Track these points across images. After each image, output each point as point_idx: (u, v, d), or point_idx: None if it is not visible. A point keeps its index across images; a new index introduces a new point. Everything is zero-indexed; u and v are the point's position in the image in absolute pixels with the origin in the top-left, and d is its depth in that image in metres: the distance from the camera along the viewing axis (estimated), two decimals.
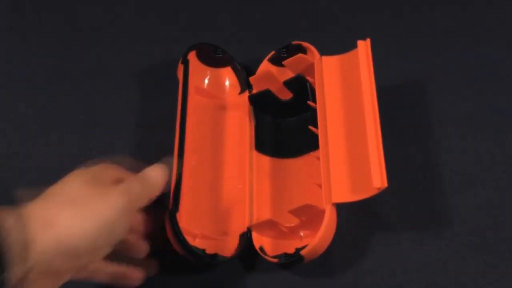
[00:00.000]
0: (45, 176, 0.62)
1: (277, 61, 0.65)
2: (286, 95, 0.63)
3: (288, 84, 0.62)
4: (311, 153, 0.60)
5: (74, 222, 0.44)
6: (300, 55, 0.62)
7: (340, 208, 0.55)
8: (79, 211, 0.44)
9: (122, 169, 0.52)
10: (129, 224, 0.49)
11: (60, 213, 0.44)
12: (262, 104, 0.64)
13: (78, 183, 0.47)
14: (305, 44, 0.63)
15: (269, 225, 0.56)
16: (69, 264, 0.44)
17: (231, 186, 0.61)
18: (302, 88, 0.62)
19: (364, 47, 0.58)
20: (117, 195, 0.47)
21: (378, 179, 0.51)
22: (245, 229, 0.57)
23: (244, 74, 0.66)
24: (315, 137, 0.58)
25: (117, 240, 0.47)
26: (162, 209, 0.56)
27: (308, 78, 0.61)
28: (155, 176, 0.52)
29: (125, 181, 0.49)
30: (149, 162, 0.63)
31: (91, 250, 0.45)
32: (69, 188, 0.47)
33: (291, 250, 0.54)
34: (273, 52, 0.66)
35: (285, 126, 0.64)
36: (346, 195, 0.53)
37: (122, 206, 0.47)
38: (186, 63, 0.63)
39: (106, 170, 0.50)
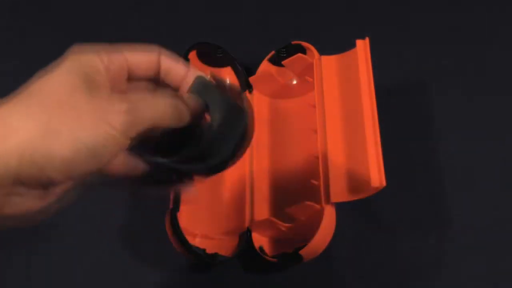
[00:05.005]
0: None
1: (277, 61, 0.65)
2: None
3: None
4: (311, 153, 0.60)
5: (48, 141, 0.34)
6: (299, 54, 0.62)
7: (340, 207, 0.55)
8: (59, 127, 0.34)
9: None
10: (116, 153, 0.36)
11: (35, 123, 0.34)
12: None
13: (69, 86, 0.36)
14: (305, 44, 0.63)
15: (269, 225, 0.56)
16: (43, 181, 0.35)
17: (231, 186, 0.61)
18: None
19: (363, 46, 0.58)
20: (116, 114, 0.36)
21: (376, 179, 0.50)
22: (245, 229, 0.58)
23: (244, 74, 0.66)
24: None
25: (97, 167, 0.36)
26: (163, 209, 0.56)
27: (308, 77, 0.61)
28: (170, 104, 0.39)
29: (131, 97, 0.38)
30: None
31: (63, 172, 0.35)
32: (56, 90, 0.36)
33: (290, 250, 0.54)
34: (273, 52, 0.66)
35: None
36: (344, 195, 0.53)
37: (116, 131, 0.35)
38: None
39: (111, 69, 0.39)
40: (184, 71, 0.42)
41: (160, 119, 0.38)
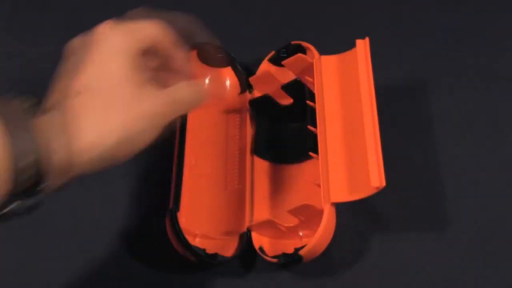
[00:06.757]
0: None
1: (277, 61, 0.65)
2: (285, 98, 0.63)
3: (286, 88, 0.62)
4: (310, 153, 0.60)
5: (99, 132, 0.40)
6: (299, 55, 0.62)
7: (340, 207, 0.55)
8: (109, 119, 0.40)
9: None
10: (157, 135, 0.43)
11: (88, 119, 0.40)
12: (262, 109, 0.63)
13: (120, 75, 0.41)
14: (305, 44, 0.63)
15: (269, 225, 0.56)
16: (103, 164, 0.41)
17: (231, 186, 0.61)
18: (300, 92, 0.61)
19: (362, 46, 0.58)
20: (160, 106, 0.42)
21: (376, 178, 0.50)
22: (245, 229, 0.57)
23: (244, 74, 0.66)
24: (314, 140, 0.58)
25: (145, 145, 0.42)
26: (163, 209, 0.56)
27: (308, 78, 0.61)
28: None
29: (173, 85, 0.44)
30: (149, 161, 0.63)
31: (119, 156, 0.41)
32: (109, 82, 0.41)
33: (290, 250, 0.54)
34: (273, 52, 0.65)
35: (285, 132, 0.64)
36: (344, 195, 0.53)
37: (158, 123, 0.42)
38: None
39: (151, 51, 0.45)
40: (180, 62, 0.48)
41: (189, 107, 0.45)
